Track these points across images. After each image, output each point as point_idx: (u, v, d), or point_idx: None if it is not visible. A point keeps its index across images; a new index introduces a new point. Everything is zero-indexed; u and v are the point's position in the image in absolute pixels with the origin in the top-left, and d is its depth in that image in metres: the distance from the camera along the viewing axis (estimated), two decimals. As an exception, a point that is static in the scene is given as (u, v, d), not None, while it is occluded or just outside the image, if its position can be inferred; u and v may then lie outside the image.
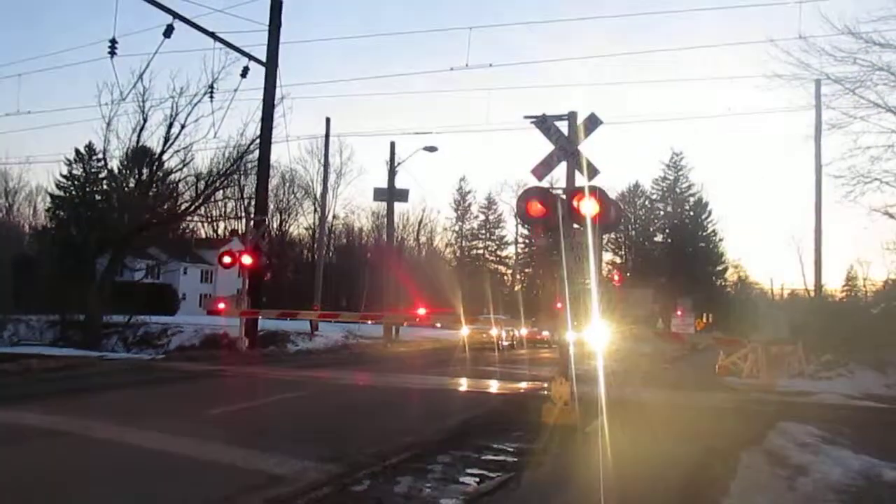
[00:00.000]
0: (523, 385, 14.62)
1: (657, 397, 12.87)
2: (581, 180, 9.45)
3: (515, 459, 7.05)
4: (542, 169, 9.36)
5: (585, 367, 11.58)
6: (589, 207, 8.91)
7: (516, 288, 73.32)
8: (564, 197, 9.37)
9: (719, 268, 78.62)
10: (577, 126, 9.37)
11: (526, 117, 9.52)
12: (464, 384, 14.70)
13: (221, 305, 19.34)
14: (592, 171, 9.21)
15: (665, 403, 12.13)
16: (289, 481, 5.87)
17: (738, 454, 7.65)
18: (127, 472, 6.17)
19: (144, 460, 6.54)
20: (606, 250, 72.12)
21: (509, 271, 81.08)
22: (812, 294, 44.19)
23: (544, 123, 9.31)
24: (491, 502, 5.61)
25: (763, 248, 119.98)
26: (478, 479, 6.21)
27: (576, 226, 9.39)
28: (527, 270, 77.61)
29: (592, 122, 9.25)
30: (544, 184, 10.29)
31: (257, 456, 6.75)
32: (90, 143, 46.81)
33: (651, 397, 12.75)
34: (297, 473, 6.10)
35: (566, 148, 9.25)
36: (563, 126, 9.45)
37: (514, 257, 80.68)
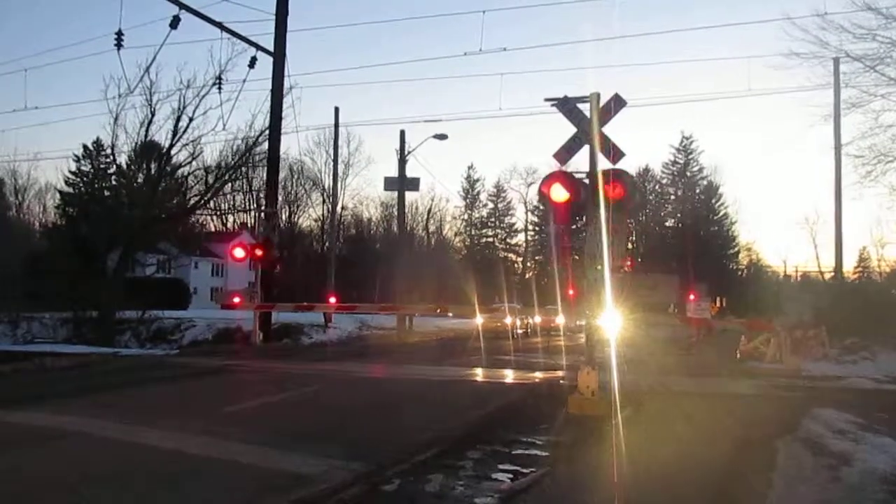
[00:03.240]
0: (544, 375, 14.34)
1: (683, 385, 12.60)
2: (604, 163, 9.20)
3: (547, 454, 6.81)
4: (565, 153, 9.09)
5: (605, 356, 11.32)
6: (613, 191, 8.63)
7: (527, 275, 73.10)
8: (588, 181, 9.10)
9: (731, 251, 78.14)
10: (600, 108, 9.08)
11: (547, 99, 9.23)
12: (483, 374, 14.47)
13: (237, 300, 19.16)
14: (618, 154, 8.93)
15: (692, 391, 11.86)
16: (315, 481, 5.66)
17: (775, 443, 7.43)
18: (146, 473, 5.97)
19: (163, 461, 6.32)
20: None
21: (520, 259, 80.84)
22: (825, 276, 43.87)
23: (566, 105, 9.03)
24: (528, 501, 5.37)
25: (776, 230, 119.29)
26: (511, 476, 5.97)
27: (599, 211, 9.12)
28: (538, 258, 77.29)
29: (617, 103, 8.96)
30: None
31: (279, 454, 6.56)
32: (98, 138, 46.75)
33: (677, 385, 12.48)
34: (322, 473, 5.89)
35: (589, 131, 8.96)
36: (585, 108, 9.17)
37: (525, 245, 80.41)
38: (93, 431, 7.45)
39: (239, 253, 20.03)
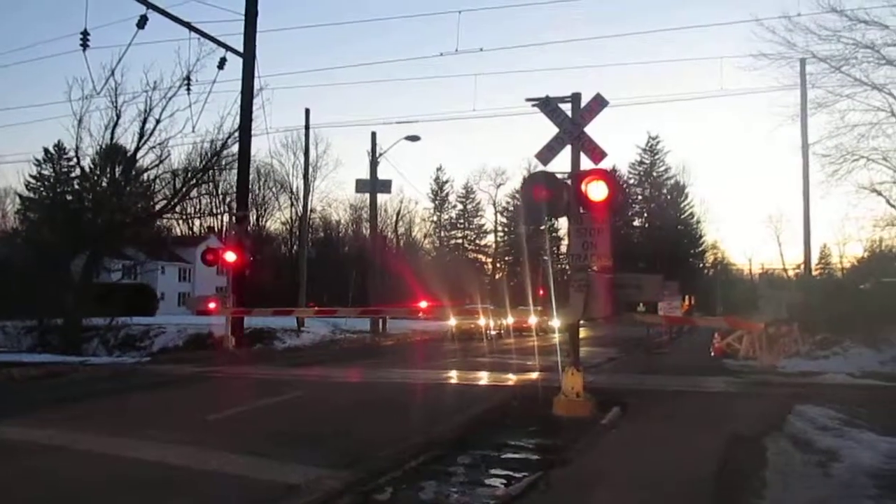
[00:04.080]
0: (523, 376, 14.30)
1: (663, 383, 12.66)
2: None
3: (538, 457, 6.73)
4: (547, 153, 9.03)
5: (583, 355, 11.29)
6: (598, 191, 8.59)
7: (497, 276, 73.24)
8: (570, 182, 9.05)
9: (698, 250, 79.21)
10: (582, 108, 9.05)
11: (528, 99, 9.16)
12: (463, 377, 14.38)
13: (212, 305, 18.71)
14: (599, 154, 8.89)
15: (673, 390, 11.92)
16: (305, 491, 5.51)
17: (763, 440, 7.45)
18: (127, 488, 5.73)
19: (144, 474, 6.09)
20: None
21: (489, 260, 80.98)
22: (788, 273, 44.64)
23: (548, 106, 8.98)
24: (526, 506, 5.28)
25: (741, 228, 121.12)
26: (504, 481, 5.88)
27: (582, 210, 9.08)
28: (507, 259, 77.51)
29: (598, 103, 8.94)
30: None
31: (265, 464, 6.39)
32: (59, 141, 45.88)
33: (657, 384, 12.54)
34: (311, 482, 5.73)
35: (571, 130, 8.92)
36: (566, 108, 9.14)
37: (494, 246, 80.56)
38: (69, 445, 7.18)
39: (209, 257, 19.62)
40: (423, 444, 7.17)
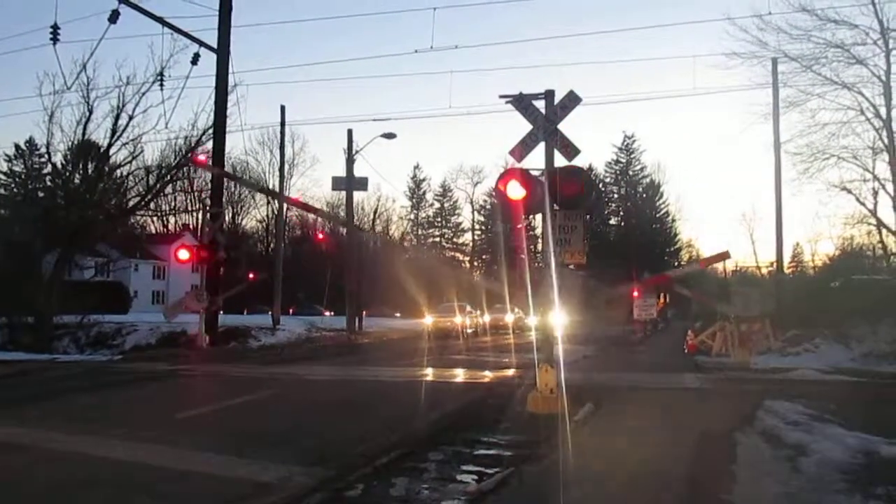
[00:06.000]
0: (498, 373, 14.35)
1: (636, 380, 12.74)
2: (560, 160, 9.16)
3: (510, 453, 6.73)
4: (521, 149, 9.03)
5: (558, 352, 11.33)
6: (570, 188, 8.61)
7: (474, 275, 73.26)
8: (544, 179, 9.06)
9: (673, 247, 79.74)
10: (555, 104, 9.06)
11: (502, 96, 9.15)
12: (438, 374, 14.37)
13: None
14: (572, 151, 8.91)
15: (647, 386, 12.00)
16: (276, 489, 5.46)
17: (734, 436, 7.52)
18: (96, 488, 5.63)
19: (114, 474, 6.00)
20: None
21: (467, 258, 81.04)
22: (761, 270, 45.12)
23: (521, 102, 8.98)
24: (496, 502, 5.27)
25: (715, 227, 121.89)
26: (476, 477, 5.88)
27: (556, 207, 9.11)
28: (484, 257, 77.61)
29: (571, 100, 8.96)
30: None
31: (236, 462, 6.32)
32: (31, 137, 45.23)
33: (631, 380, 12.62)
34: (282, 480, 5.69)
35: (545, 127, 8.92)
36: (540, 105, 9.13)
37: (472, 244, 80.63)
38: (38, 444, 7.04)
39: (184, 255, 19.45)
40: (396, 442, 7.15)
